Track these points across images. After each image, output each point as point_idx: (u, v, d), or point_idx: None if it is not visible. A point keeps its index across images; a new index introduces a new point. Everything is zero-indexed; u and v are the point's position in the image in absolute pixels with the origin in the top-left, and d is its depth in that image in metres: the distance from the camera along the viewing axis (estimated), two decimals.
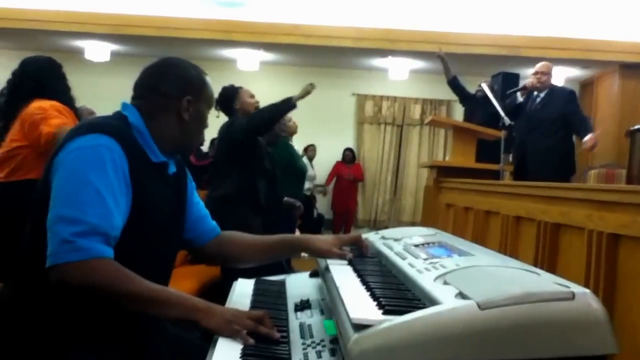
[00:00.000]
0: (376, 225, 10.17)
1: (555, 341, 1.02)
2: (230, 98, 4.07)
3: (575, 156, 5.22)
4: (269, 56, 9.72)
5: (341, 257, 1.79)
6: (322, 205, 9.94)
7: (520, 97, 5.25)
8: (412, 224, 9.07)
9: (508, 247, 3.37)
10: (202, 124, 1.74)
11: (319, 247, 1.84)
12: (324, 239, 1.88)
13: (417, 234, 1.99)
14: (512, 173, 5.29)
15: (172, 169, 1.72)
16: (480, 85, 5.95)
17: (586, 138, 4.94)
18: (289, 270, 2.39)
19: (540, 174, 4.59)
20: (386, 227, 8.76)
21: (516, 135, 5.30)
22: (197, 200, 1.88)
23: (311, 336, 1.48)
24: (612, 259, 2.44)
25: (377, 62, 9.63)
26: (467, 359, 1.04)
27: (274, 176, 4.25)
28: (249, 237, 1.96)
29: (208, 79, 1.75)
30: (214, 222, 1.92)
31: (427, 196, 5.27)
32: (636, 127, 2.84)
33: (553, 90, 5.26)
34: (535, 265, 2.97)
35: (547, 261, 2.94)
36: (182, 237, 1.80)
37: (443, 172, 4.92)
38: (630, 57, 8.39)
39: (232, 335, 1.43)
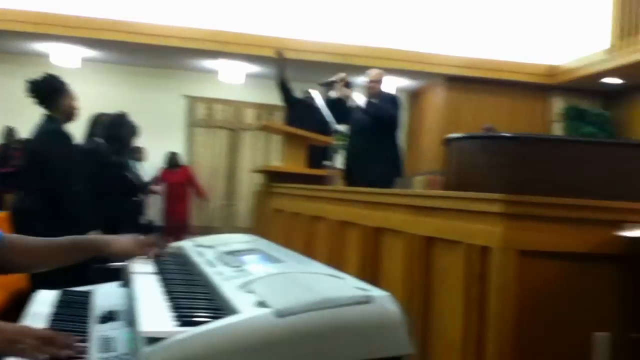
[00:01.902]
0: (210, 232, 10.01)
1: (353, 345, 1.02)
2: (56, 91, 3.78)
3: (401, 160, 5.46)
4: (90, 53, 9.22)
5: (141, 255, 1.73)
6: (153, 211, 9.60)
7: (342, 90, 5.35)
8: (248, 229, 9.04)
9: (334, 251, 3.44)
10: None
11: (118, 248, 1.75)
12: (122, 239, 1.80)
13: (234, 241, 1.95)
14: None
15: None
16: (308, 91, 6.07)
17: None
18: (97, 279, 2.25)
19: (365, 178, 4.76)
20: (220, 234, 8.66)
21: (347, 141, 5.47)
22: None
23: (112, 350, 1.38)
24: (427, 260, 2.57)
25: (209, 64, 9.51)
26: None
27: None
28: (35, 240, 1.81)
29: None
30: None
31: (257, 202, 5.28)
32: (451, 136, 3.02)
33: (381, 97, 5.50)
34: (360, 267, 3.06)
35: (370, 264, 3.04)
36: None
37: (275, 178, 4.95)
38: (456, 71, 9.05)
39: (15, 355, 1.29)
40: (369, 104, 5.14)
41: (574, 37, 8.71)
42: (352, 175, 5.23)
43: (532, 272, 2.19)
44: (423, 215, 2.65)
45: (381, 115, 5.13)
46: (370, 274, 3.01)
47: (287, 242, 4.08)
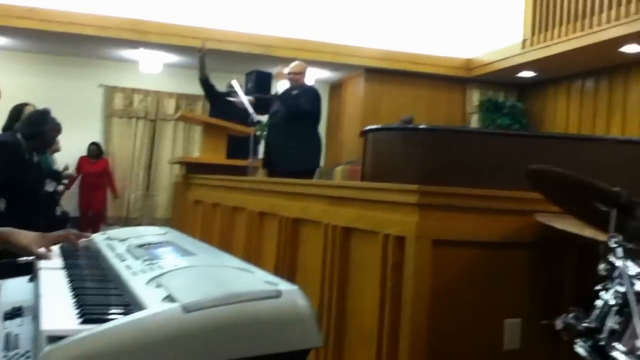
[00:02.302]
0: (128, 223, 9.78)
1: (261, 339, 1.01)
2: None
3: (319, 151, 5.48)
4: (4, 41, 8.80)
5: (41, 257, 1.64)
6: (69, 202, 9.27)
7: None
8: (167, 220, 8.86)
9: (253, 242, 3.42)
10: None
11: (17, 242, 1.67)
12: (27, 234, 1.72)
13: (146, 234, 1.90)
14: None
15: None
16: (231, 82, 6.00)
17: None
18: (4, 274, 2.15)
19: (284, 169, 4.76)
20: (139, 224, 8.44)
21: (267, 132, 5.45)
22: None
23: (16, 347, 1.32)
24: (345, 250, 2.59)
25: (127, 53, 9.24)
26: None
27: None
28: None
29: None
30: None
31: (176, 193, 5.19)
32: (368, 128, 3.05)
33: (303, 88, 5.50)
34: (279, 258, 3.06)
35: (289, 254, 3.04)
36: None
37: (194, 169, 4.87)
38: (375, 63, 9.15)
39: None
40: (283, 98, 5.13)
41: (490, 31, 8.98)
42: (271, 166, 5.21)
43: (446, 261, 2.24)
44: (341, 206, 2.68)
45: (295, 112, 5.16)
46: (288, 264, 3.01)
47: (206, 233, 4.03)
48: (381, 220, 2.38)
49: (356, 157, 8.48)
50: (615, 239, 1.72)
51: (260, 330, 0.99)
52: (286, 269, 3.01)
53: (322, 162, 5.67)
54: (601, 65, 7.78)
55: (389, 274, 2.27)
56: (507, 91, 9.91)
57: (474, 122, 9.81)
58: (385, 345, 2.24)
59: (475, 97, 9.90)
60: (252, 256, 3.36)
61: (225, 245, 3.73)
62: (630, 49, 6.89)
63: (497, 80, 9.54)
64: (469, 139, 2.79)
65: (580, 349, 1.77)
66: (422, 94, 9.62)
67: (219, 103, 6.44)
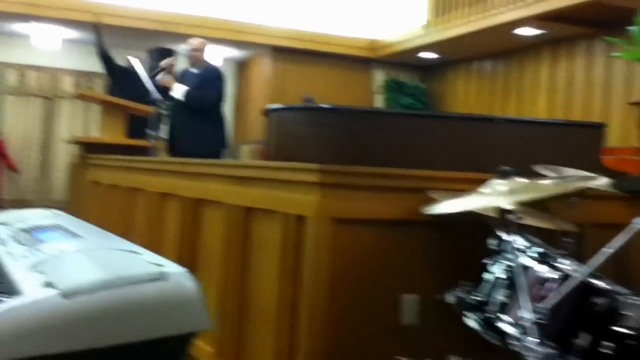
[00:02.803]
0: (24, 205, 9.31)
1: (146, 323, 0.98)
2: None
3: (224, 132, 5.38)
4: None
5: None
6: None
7: (164, 77, 5.12)
8: (64, 203, 8.51)
9: (153, 224, 3.34)
10: None
11: None
12: None
13: (33, 217, 1.80)
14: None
15: None
16: (129, 59, 5.79)
17: (176, 87, 4.96)
18: None
19: (187, 151, 4.65)
20: (34, 207, 8.05)
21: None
22: None
23: None
24: (247, 231, 2.57)
25: (19, 27, 8.72)
26: (54, 351, 0.94)
27: None
28: None
29: None
30: None
31: (73, 174, 4.99)
32: (270, 107, 3.03)
33: (207, 68, 5.38)
34: (179, 239, 3.00)
35: (191, 236, 2.99)
36: None
37: (93, 149, 4.68)
38: (281, 42, 9.09)
39: None
40: (188, 95, 4.98)
41: (394, 12, 9.12)
42: (174, 148, 5.08)
43: (346, 240, 2.27)
44: (243, 186, 2.65)
45: (202, 106, 5.07)
46: (190, 246, 2.96)
47: (104, 216, 3.90)
48: (282, 200, 2.38)
49: (263, 137, 8.44)
50: (502, 215, 1.79)
51: (144, 314, 0.97)
52: (188, 251, 2.96)
53: (228, 143, 5.57)
54: (498, 48, 8.07)
55: (289, 253, 2.27)
56: (410, 72, 10.12)
57: (379, 102, 9.97)
58: (285, 324, 2.25)
59: (379, 78, 10.05)
60: (153, 239, 3.28)
61: (125, 228, 3.62)
62: (525, 32, 7.19)
63: (401, 61, 9.72)
64: (371, 118, 2.82)
65: (470, 321, 1.84)
66: (328, 74, 9.67)
67: (119, 78, 6.20)
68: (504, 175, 1.82)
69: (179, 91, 4.91)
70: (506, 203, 1.83)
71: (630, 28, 3.15)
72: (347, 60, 9.65)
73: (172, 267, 1.05)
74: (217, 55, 8.74)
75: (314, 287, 2.18)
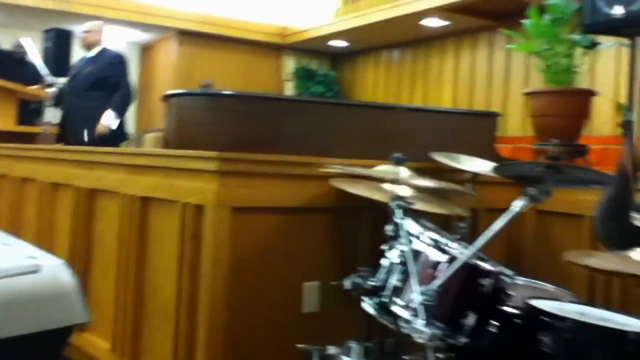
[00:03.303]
0: None
1: (21, 318, 0.95)
2: None
3: (124, 121, 5.21)
4: None
5: None
6: None
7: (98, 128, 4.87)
8: None
9: (45, 215, 3.22)
10: None
11: None
12: None
13: None
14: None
15: None
16: (19, 41, 5.51)
17: (104, 120, 4.84)
18: None
19: (81, 137, 4.49)
20: None
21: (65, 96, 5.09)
22: None
23: None
24: (143, 221, 2.53)
25: None
26: None
27: None
28: None
29: None
30: None
31: None
32: (170, 92, 2.97)
33: (103, 51, 5.20)
34: (72, 231, 2.91)
35: (85, 228, 2.91)
36: None
37: None
38: (188, 25, 8.92)
39: None
40: (116, 111, 4.82)
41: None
42: (68, 138, 4.87)
43: (246, 228, 2.27)
44: (139, 175, 2.60)
45: (128, 103, 4.96)
46: (84, 238, 2.88)
47: None
48: (180, 189, 2.35)
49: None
50: (397, 201, 1.85)
51: (17, 308, 0.93)
52: (82, 244, 2.87)
53: (130, 131, 5.41)
54: (406, 38, 8.26)
55: (187, 244, 2.25)
56: (320, 59, 10.19)
57: (289, 89, 9.99)
58: (183, 317, 2.23)
59: (290, 65, 10.06)
60: (45, 231, 3.16)
61: (14, 221, 3.47)
62: (431, 22, 7.39)
63: (311, 49, 9.77)
64: (271, 105, 2.82)
65: (367, 306, 1.90)
66: (238, 60, 9.59)
67: (5, 63, 5.87)
68: (397, 162, 1.88)
69: (112, 121, 4.76)
70: (399, 190, 1.89)
71: (525, 21, 3.30)
72: (257, 46, 9.60)
73: (47, 259, 1.02)
74: (119, 39, 8.49)
75: (213, 279, 2.18)
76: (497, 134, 3.31)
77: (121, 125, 5.06)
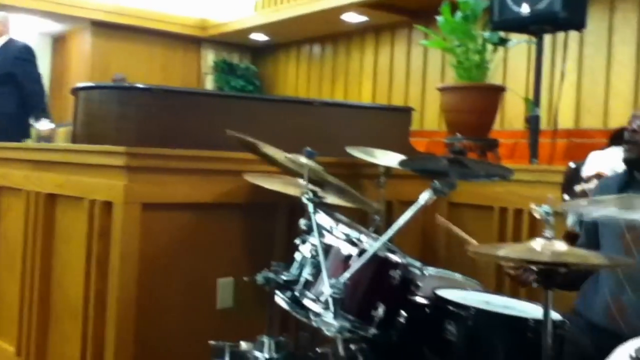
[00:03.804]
0: None
1: None
2: None
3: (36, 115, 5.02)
4: None
5: None
6: None
7: None
8: None
9: None
10: None
11: None
12: None
13: None
14: None
15: None
16: None
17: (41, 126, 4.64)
18: None
19: None
20: None
21: None
22: None
23: None
24: (49, 219, 2.45)
25: None
26: None
27: None
28: None
29: None
30: None
31: None
32: (79, 85, 2.88)
33: (9, 43, 4.97)
34: None
35: None
36: None
37: None
38: (102, 16, 8.65)
39: None
40: (32, 109, 4.59)
41: None
42: None
43: (157, 225, 2.23)
44: (45, 171, 2.51)
45: (41, 100, 4.76)
46: None
47: None
48: (88, 185, 2.29)
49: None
50: (307, 195, 1.87)
51: None
52: None
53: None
54: (326, 33, 8.31)
55: (96, 242, 2.20)
56: (241, 53, 10.11)
57: (210, 83, 9.88)
58: (91, 317, 2.18)
59: (210, 58, 9.94)
60: None
61: None
62: (350, 18, 7.46)
63: (232, 42, 9.68)
64: (183, 99, 2.77)
65: (280, 300, 1.90)
66: (156, 53, 9.39)
67: None
68: (309, 156, 1.89)
69: (47, 125, 4.54)
70: (311, 184, 1.90)
71: (438, 18, 3.39)
72: (175, 39, 9.44)
73: None
74: (28, 29, 8.17)
75: (123, 277, 2.13)
76: (413, 128, 3.39)
77: (25, 119, 4.85)
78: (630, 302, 1.86)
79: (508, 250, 1.51)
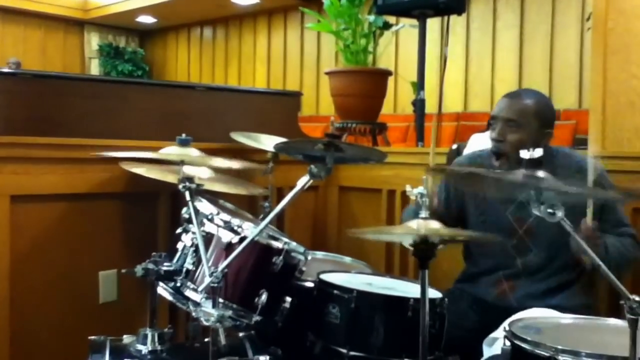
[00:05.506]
0: None
1: None
2: None
3: None
4: None
5: None
6: None
7: None
8: None
9: None
10: None
11: None
12: None
13: None
14: None
15: None
16: None
17: None
18: None
19: None
20: None
21: None
22: None
23: None
24: None
25: None
26: None
27: None
28: None
29: None
30: None
31: None
32: None
33: None
34: None
35: None
36: None
37: None
38: None
39: None
40: None
41: None
42: None
43: (27, 218, 2.13)
44: None
45: None
46: None
47: None
48: None
49: None
50: (185, 183, 1.83)
51: None
52: None
53: None
54: (217, 15, 8.21)
55: None
56: (128, 36, 9.82)
57: (95, 67, 9.54)
58: None
59: (94, 42, 9.59)
60: None
61: None
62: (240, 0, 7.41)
63: (118, 25, 9.39)
64: (54, 85, 2.63)
65: (163, 291, 1.87)
66: (34, 35, 8.97)
67: None
68: (182, 143, 1.86)
69: None
70: (188, 172, 1.87)
71: (324, 0, 3.41)
72: (56, 20, 9.04)
73: None
74: None
75: None
76: (309, 114, 3.41)
77: None
78: (523, 285, 1.98)
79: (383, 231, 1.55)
